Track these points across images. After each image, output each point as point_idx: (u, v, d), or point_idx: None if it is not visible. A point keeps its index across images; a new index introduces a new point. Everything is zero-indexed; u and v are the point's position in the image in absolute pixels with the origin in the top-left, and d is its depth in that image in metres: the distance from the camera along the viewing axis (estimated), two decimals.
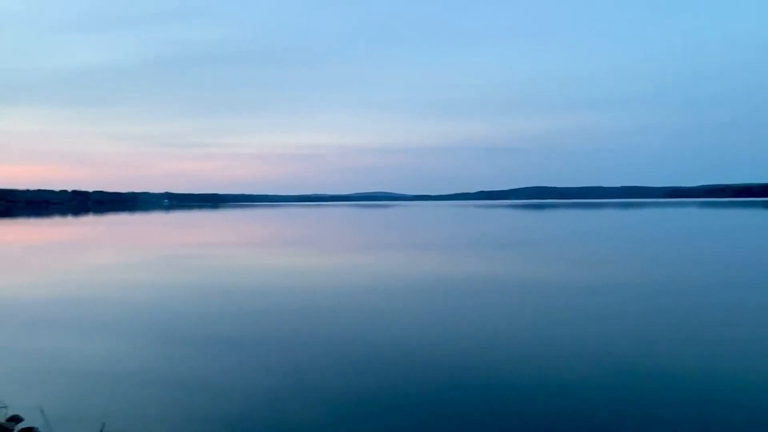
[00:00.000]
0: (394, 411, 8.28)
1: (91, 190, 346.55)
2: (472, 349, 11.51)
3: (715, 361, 10.61)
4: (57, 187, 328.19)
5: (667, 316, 14.56)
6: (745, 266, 26.05)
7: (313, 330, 13.33)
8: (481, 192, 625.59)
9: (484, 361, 10.72)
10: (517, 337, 12.56)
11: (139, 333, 13.06)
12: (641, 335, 12.51)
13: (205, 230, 63.69)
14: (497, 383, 9.43)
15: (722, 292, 18.41)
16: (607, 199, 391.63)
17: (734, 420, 7.91)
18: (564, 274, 23.11)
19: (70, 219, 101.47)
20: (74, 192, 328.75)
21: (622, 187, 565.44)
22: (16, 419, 7.73)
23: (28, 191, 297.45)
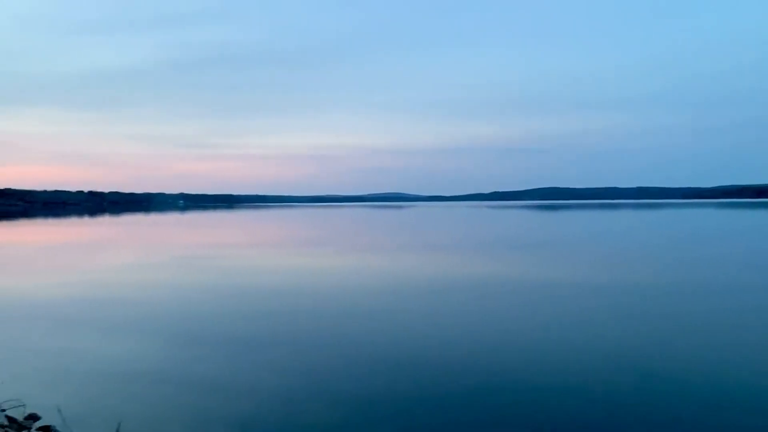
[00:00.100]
0: (408, 413, 8.25)
1: (107, 191, 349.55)
2: (487, 351, 11.45)
3: (735, 365, 10.47)
4: (73, 188, 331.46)
5: (686, 319, 14.40)
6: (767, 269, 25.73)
7: (328, 331, 13.33)
8: (495, 193, 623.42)
9: (498, 362, 10.65)
10: (533, 338, 12.47)
11: (154, 333, 13.13)
12: (660, 338, 12.38)
13: (220, 231, 63.98)
14: (512, 385, 9.36)
15: (743, 294, 18.17)
16: (622, 200, 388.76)
17: (753, 423, 7.80)
18: (582, 275, 22.94)
19: (86, 219, 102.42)
20: (90, 193, 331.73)
21: (637, 187, 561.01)
22: (33, 417, 7.79)
23: (45, 192, 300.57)
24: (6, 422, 7.31)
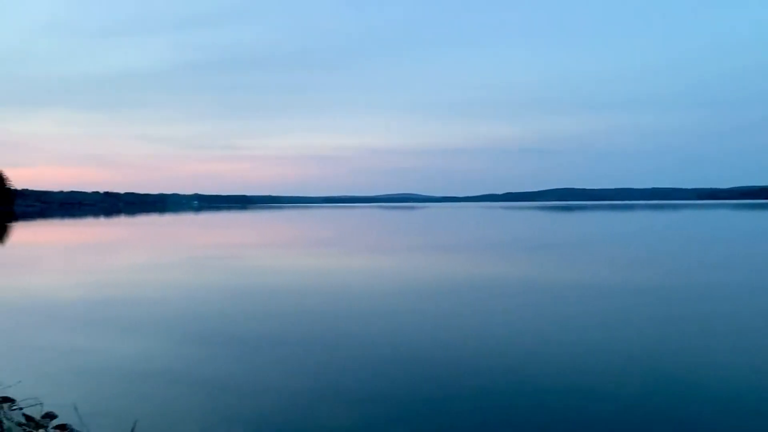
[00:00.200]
0: (421, 415, 8.17)
1: (122, 191, 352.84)
2: (501, 352, 11.34)
3: (754, 370, 10.29)
4: (89, 189, 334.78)
5: (706, 322, 14.21)
6: None
7: (341, 331, 13.29)
8: (509, 193, 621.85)
9: (512, 364, 10.54)
10: (549, 340, 12.33)
11: (169, 333, 13.15)
12: (679, 342, 12.21)
13: (233, 231, 64.25)
14: (527, 387, 9.25)
15: (765, 298, 17.93)
16: (637, 201, 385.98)
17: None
18: (600, 277, 22.74)
19: (102, 220, 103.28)
20: (106, 193, 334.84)
21: (652, 188, 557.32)
22: (50, 416, 7.80)
23: (61, 192, 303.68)
24: (23, 420, 7.31)
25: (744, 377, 9.63)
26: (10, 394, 8.12)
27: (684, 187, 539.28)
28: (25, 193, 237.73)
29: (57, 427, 7.47)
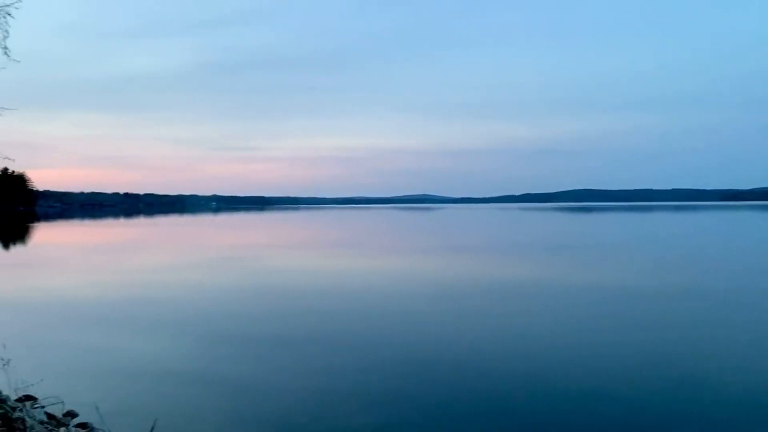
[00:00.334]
0: (440, 415, 8.12)
1: (142, 192, 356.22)
2: (520, 353, 11.27)
3: None
4: (110, 190, 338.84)
5: (731, 327, 14.01)
6: None
7: (360, 331, 13.28)
8: (527, 194, 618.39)
9: (531, 366, 10.46)
10: (568, 343, 12.22)
11: (189, 332, 13.22)
12: (702, 345, 12.05)
13: (252, 232, 64.57)
14: (544, 389, 9.16)
15: None
16: (657, 202, 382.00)
17: None
18: (622, 280, 22.52)
19: (122, 221, 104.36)
20: (126, 194, 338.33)
21: (672, 189, 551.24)
22: (71, 414, 7.87)
23: (82, 194, 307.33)
24: (45, 418, 7.39)
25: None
26: (32, 392, 8.20)
27: (705, 188, 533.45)
28: (47, 194, 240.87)
29: (78, 425, 7.53)
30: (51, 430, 6.79)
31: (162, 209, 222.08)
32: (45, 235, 62.24)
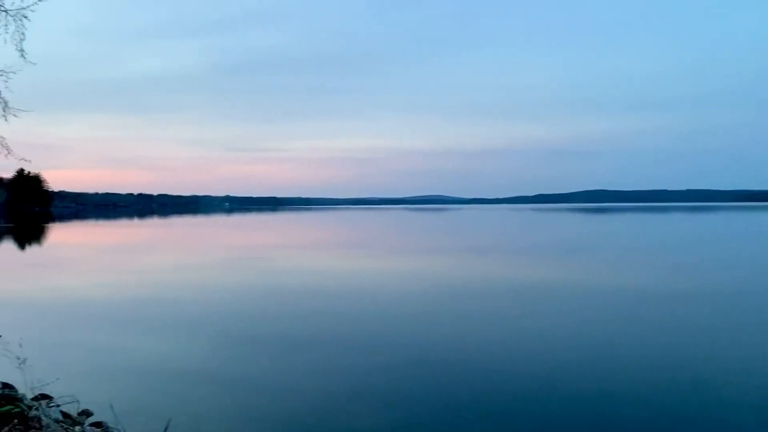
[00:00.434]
0: (454, 418, 8.10)
1: (155, 193, 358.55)
2: (538, 356, 11.20)
3: None
4: (123, 191, 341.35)
5: (750, 331, 13.87)
6: None
7: (373, 332, 13.29)
8: (540, 195, 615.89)
9: (546, 368, 10.39)
10: (584, 345, 12.15)
11: (203, 332, 13.28)
12: (725, 351, 11.94)
13: (265, 233, 64.79)
14: (562, 392, 9.11)
15: None
16: (672, 203, 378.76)
17: None
18: (641, 283, 22.36)
19: (136, 221, 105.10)
20: (140, 195, 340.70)
21: (687, 190, 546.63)
22: (86, 413, 7.93)
23: (97, 194, 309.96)
24: (61, 417, 7.45)
25: None
26: (48, 391, 8.28)
27: (721, 188, 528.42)
28: (62, 195, 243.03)
29: (93, 424, 7.59)
30: (66, 428, 6.85)
31: (175, 210, 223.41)
32: (60, 235, 62.82)
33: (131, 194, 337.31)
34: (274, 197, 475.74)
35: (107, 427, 7.43)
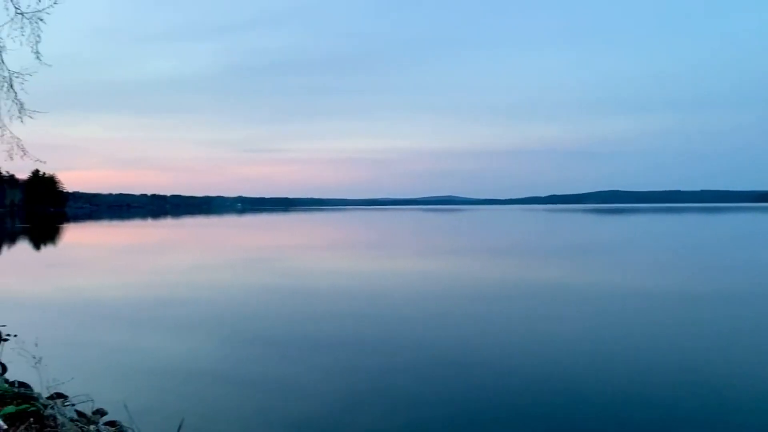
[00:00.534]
0: (470, 421, 8.07)
1: (168, 194, 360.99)
2: (553, 359, 11.14)
3: None
4: (137, 191, 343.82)
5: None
6: None
7: (388, 333, 13.27)
8: (553, 196, 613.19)
9: (563, 369, 10.33)
10: (602, 347, 12.07)
11: (217, 333, 13.33)
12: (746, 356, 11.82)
13: (278, 233, 64.97)
14: (578, 395, 9.06)
15: None
16: (686, 204, 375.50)
17: None
18: (657, 283, 22.20)
19: (149, 222, 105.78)
20: (153, 196, 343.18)
21: (702, 191, 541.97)
22: (101, 412, 7.99)
23: (110, 195, 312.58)
24: (75, 416, 7.51)
25: None
26: (63, 390, 8.34)
27: (735, 189, 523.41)
28: (76, 196, 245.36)
29: (107, 423, 7.64)
30: (81, 427, 6.89)
31: (188, 210, 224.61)
32: (75, 235, 63.36)
33: (145, 195, 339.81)
34: (287, 198, 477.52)
35: (121, 426, 7.47)
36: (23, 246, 46.89)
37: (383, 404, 8.59)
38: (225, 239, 53.69)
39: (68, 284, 22.00)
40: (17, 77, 11.06)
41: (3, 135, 11.32)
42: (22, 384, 8.58)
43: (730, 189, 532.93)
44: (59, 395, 8.24)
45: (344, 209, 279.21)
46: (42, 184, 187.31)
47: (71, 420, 7.05)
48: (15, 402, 6.72)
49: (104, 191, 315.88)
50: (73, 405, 8.01)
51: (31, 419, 6.29)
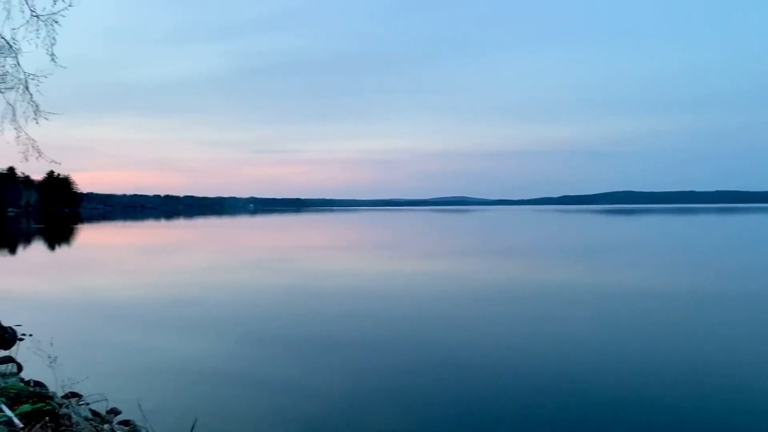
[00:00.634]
0: (480, 422, 8.06)
1: (181, 195, 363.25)
2: (563, 360, 11.09)
3: None
4: (150, 192, 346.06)
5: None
6: None
7: (401, 334, 13.26)
8: (565, 196, 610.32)
9: (573, 371, 10.28)
10: (613, 349, 12.01)
11: (231, 333, 13.38)
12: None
13: (290, 234, 65.13)
14: (586, 396, 9.01)
15: None
16: (701, 204, 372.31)
17: None
18: (673, 285, 22.05)
19: (163, 222, 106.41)
20: (166, 197, 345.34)
21: (716, 191, 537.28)
22: (114, 412, 8.05)
23: (124, 196, 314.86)
24: (90, 415, 7.58)
25: None
26: (77, 389, 8.42)
27: (750, 190, 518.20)
28: (91, 196, 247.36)
29: (121, 422, 7.70)
30: (95, 426, 6.95)
31: (201, 211, 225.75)
32: (89, 236, 63.87)
33: (158, 196, 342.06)
34: (298, 198, 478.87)
35: (135, 426, 7.53)
36: (38, 246, 47.34)
37: (394, 404, 8.58)
38: (238, 240, 53.91)
39: (83, 284, 22.18)
40: (33, 79, 11.19)
41: (19, 137, 11.47)
42: (37, 383, 8.68)
43: (745, 189, 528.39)
44: (74, 394, 8.32)
45: (355, 210, 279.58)
46: (57, 185, 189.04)
47: (86, 419, 7.11)
48: (31, 401, 6.78)
49: (118, 192, 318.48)
50: (88, 404, 8.09)
51: (47, 418, 6.35)
